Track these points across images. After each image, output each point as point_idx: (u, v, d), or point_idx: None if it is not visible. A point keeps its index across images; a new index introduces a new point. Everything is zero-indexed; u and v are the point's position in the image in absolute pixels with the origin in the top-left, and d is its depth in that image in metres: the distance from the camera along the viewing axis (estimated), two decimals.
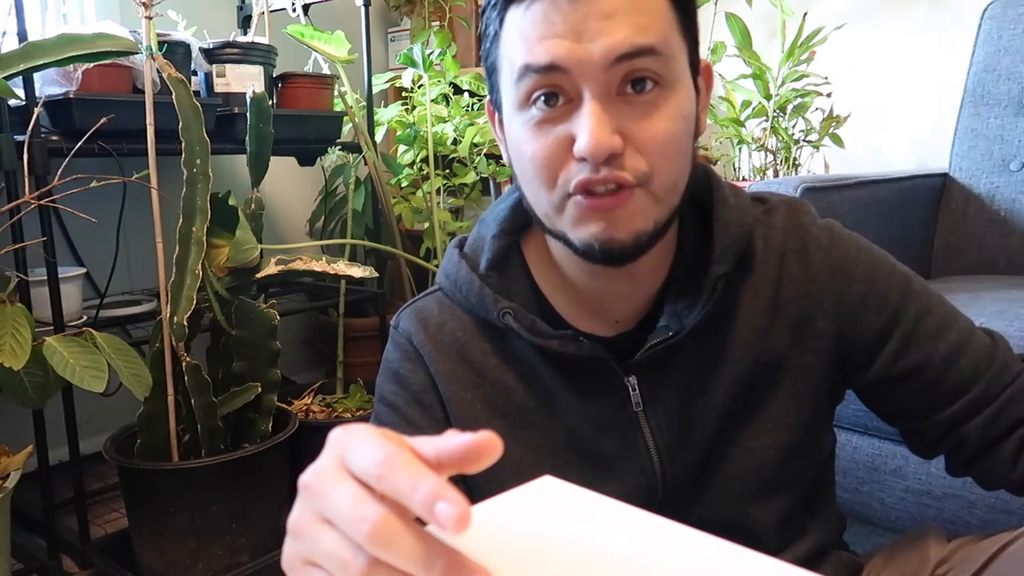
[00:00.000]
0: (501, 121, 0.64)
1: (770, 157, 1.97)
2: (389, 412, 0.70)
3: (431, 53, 2.07)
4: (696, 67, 0.62)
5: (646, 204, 0.58)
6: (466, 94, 2.25)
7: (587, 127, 0.55)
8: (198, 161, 1.33)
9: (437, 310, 0.70)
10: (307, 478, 0.34)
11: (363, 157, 1.94)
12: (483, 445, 0.32)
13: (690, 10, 0.60)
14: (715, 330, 0.65)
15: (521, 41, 0.57)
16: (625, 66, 0.55)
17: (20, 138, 1.30)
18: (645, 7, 0.55)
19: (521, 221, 0.69)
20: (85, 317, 1.55)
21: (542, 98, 0.57)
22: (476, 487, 0.68)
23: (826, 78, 1.88)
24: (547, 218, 0.61)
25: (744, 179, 2.01)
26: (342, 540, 0.32)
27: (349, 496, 0.32)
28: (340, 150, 1.91)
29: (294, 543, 0.35)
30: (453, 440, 0.32)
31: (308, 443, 1.58)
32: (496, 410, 0.68)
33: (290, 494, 1.51)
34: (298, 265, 1.52)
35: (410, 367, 0.70)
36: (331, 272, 1.55)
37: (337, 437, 0.35)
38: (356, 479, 0.33)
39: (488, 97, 0.66)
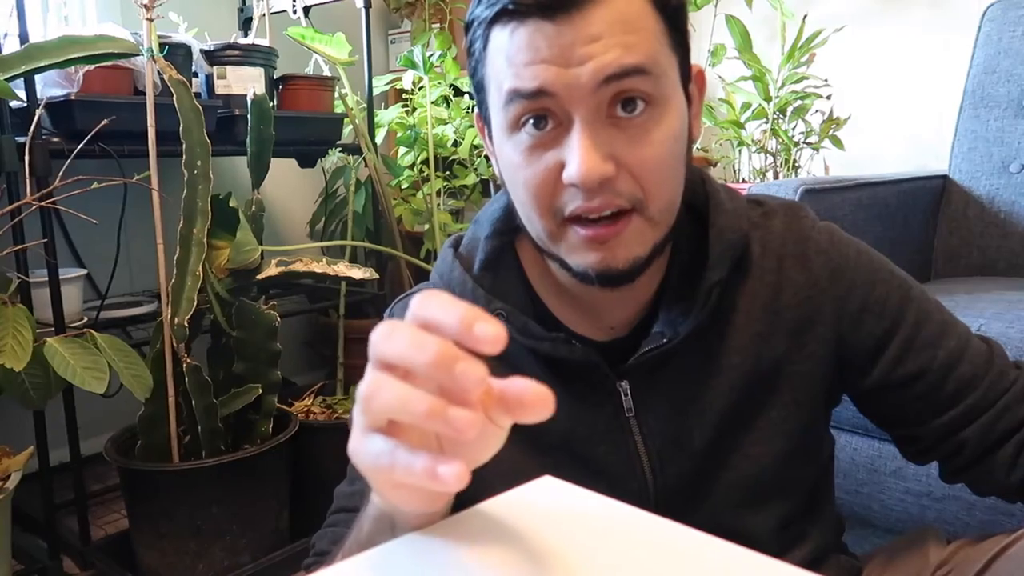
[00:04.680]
0: (491, 136, 0.64)
1: (770, 159, 1.98)
2: None
3: (431, 55, 2.07)
4: (687, 77, 0.61)
5: (643, 229, 0.58)
6: (466, 96, 2.25)
7: (577, 155, 0.54)
8: (199, 163, 1.33)
9: None
10: (374, 337, 0.38)
11: (363, 159, 1.94)
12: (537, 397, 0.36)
13: (680, 23, 0.59)
14: (711, 336, 0.65)
15: (507, 65, 0.56)
16: (614, 87, 0.54)
17: (21, 140, 1.30)
18: (633, 26, 0.54)
19: (515, 221, 0.69)
20: (86, 318, 1.55)
21: (531, 122, 0.56)
22: (470, 487, 0.68)
23: (826, 80, 1.88)
24: (541, 241, 0.62)
25: (744, 181, 2.01)
26: (410, 388, 0.36)
27: (408, 337, 0.36)
28: (340, 152, 1.91)
29: (364, 409, 0.38)
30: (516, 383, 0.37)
31: (308, 444, 1.58)
32: None
33: (291, 495, 1.52)
34: (299, 267, 1.52)
35: None
36: (331, 274, 1.55)
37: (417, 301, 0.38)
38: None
39: (476, 112, 0.66)
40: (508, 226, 0.69)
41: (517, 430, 0.67)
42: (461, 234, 0.73)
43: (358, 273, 1.57)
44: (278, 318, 1.45)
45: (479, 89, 0.62)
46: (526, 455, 0.67)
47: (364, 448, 0.39)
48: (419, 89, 2.19)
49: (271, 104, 1.60)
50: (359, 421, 0.39)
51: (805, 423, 0.67)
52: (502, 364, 0.67)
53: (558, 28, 0.53)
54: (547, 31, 0.54)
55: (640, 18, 0.55)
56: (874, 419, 0.70)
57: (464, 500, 0.67)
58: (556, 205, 0.58)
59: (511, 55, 0.56)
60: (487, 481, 0.67)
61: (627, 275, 0.59)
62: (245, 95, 1.47)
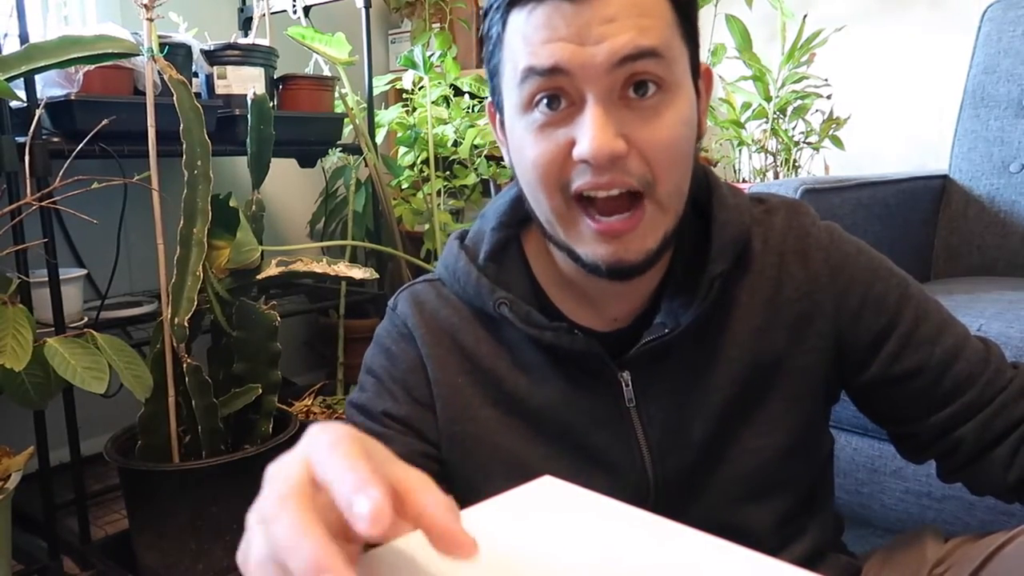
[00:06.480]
0: (503, 123, 0.65)
1: (770, 159, 1.98)
2: (375, 382, 0.70)
3: (432, 55, 2.07)
4: (697, 71, 0.62)
5: (655, 217, 0.59)
6: (466, 96, 2.25)
7: (589, 130, 0.55)
8: (199, 163, 1.33)
9: (434, 296, 0.71)
10: (271, 471, 0.34)
11: (364, 159, 1.95)
12: (461, 543, 0.33)
13: (691, 15, 0.60)
14: (712, 329, 0.66)
15: (524, 44, 0.57)
16: (628, 68, 0.55)
17: (21, 140, 1.30)
18: (648, 10, 0.56)
19: (520, 215, 0.69)
20: (86, 318, 1.56)
21: (545, 101, 0.57)
22: (468, 474, 0.69)
23: (826, 80, 1.88)
24: (549, 224, 0.62)
25: (744, 181, 2.01)
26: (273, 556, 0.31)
27: (289, 522, 0.31)
28: (341, 152, 1.91)
29: (247, 535, 0.34)
30: (441, 512, 0.33)
31: None
32: (487, 397, 0.68)
33: None
34: (299, 267, 1.53)
35: (403, 346, 0.70)
36: (332, 274, 1.55)
37: (311, 434, 0.35)
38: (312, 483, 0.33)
39: (489, 99, 0.67)
40: (514, 219, 0.70)
41: (517, 417, 0.68)
42: (467, 228, 0.74)
43: (358, 273, 1.57)
44: (278, 318, 1.44)
45: (493, 74, 0.63)
46: (527, 444, 0.67)
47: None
48: (419, 89, 2.19)
49: (271, 104, 1.60)
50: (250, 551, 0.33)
51: (805, 418, 0.68)
52: (504, 351, 0.69)
53: (576, 8, 0.55)
54: (565, 11, 0.55)
55: (655, 5, 0.57)
56: (871, 416, 0.71)
57: (464, 488, 0.68)
58: (564, 182, 0.59)
59: (528, 34, 0.57)
60: (489, 468, 0.67)
61: (638, 268, 0.60)
62: (245, 95, 1.47)
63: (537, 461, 0.66)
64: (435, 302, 0.70)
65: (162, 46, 1.34)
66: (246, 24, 2.21)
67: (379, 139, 2.16)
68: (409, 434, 0.68)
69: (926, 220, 1.68)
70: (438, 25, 2.42)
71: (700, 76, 0.63)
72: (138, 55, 1.28)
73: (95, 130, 1.29)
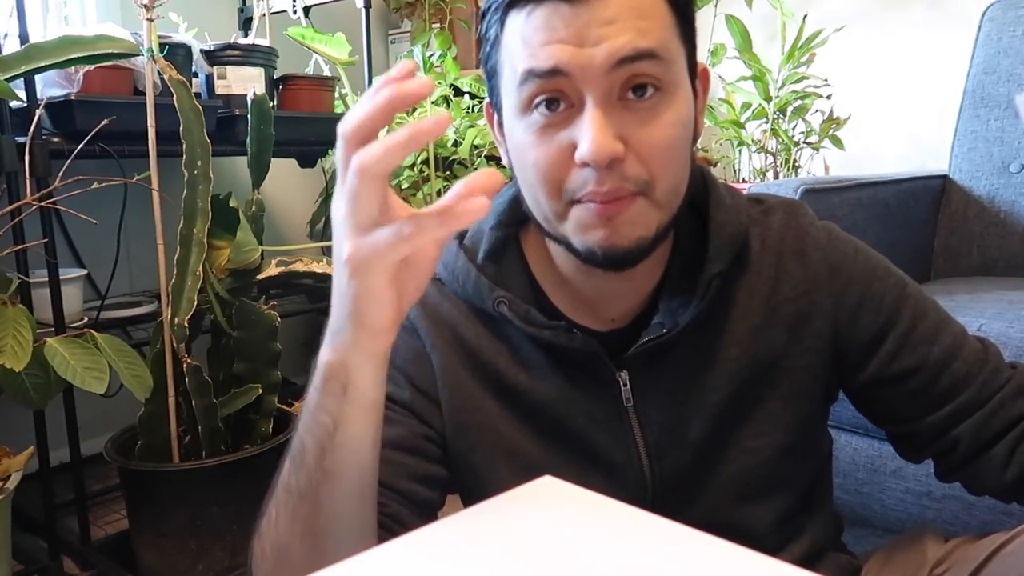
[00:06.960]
0: (501, 124, 0.64)
1: (770, 159, 1.98)
2: None
3: (431, 55, 2.07)
4: (694, 71, 0.62)
5: (648, 211, 0.59)
6: (466, 96, 2.25)
7: (589, 132, 0.55)
8: (199, 163, 1.33)
9: (435, 292, 0.71)
10: (340, 130, 0.49)
11: None
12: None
13: (689, 15, 0.60)
14: (710, 329, 0.66)
15: (523, 46, 0.57)
16: (627, 70, 0.55)
17: (21, 140, 1.30)
18: (646, 12, 0.56)
19: (519, 214, 0.69)
20: (86, 318, 1.56)
21: (544, 103, 0.57)
22: (474, 463, 0.69)
23: (826, 80, 1.88)
24: (547, 222, 0.62)
25: (744, 181, 2.01)
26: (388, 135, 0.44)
27: (359, 106, 0.49)
28: None
29: (360, 188, 0.47)
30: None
31: None
32: (488, 389, 0.68)
33: None
34: (299, 267, 1.53)
35: (407, 339, 0.70)
36: (331, 274, 1.55)
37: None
38: None
39: (487, 100, 0.67)
40: (512, 218, 0.70)
41: (517, 410, 0.68)
42: (466, 228, 0.73)
43: None
44: (278, 318, 1.44)
45: (491, 75, 0.63)
46: (528, 438, 0.68)
47: (374, 238, 0.46)
48: None
49: (271, 104, 1.60)
50: (352, 223, 0.46)
51: (803, 418, 0.68)
52: (504, 347, 0.69)
53: (575, 10, 0.55)
54: (564, 12, 0.55)
55: (653, 6, 0.57)
56: (869, 415, 0.71)
57: (471, 477, 0.68)
58: (565, 187, 0.59)
59: (527, 36, 0.57)
60: (489, 457, 0.68)
61: (632, 254, 0.59)
62: (245, 95, 1.47)
63: (538, 455, 0.67)
64: (436, 297, 0.71)
65: (162, 46, 1.34)
66: (246, 24, 2.21)
67: None
68: (411, 416, 0.68)
69: (926, 220, 1.68)
70: (438, 25, 2.42)
71: (697, 76, 0.63)
72: (138, 55, 1.28)
73: (95, 130, 1.29)
